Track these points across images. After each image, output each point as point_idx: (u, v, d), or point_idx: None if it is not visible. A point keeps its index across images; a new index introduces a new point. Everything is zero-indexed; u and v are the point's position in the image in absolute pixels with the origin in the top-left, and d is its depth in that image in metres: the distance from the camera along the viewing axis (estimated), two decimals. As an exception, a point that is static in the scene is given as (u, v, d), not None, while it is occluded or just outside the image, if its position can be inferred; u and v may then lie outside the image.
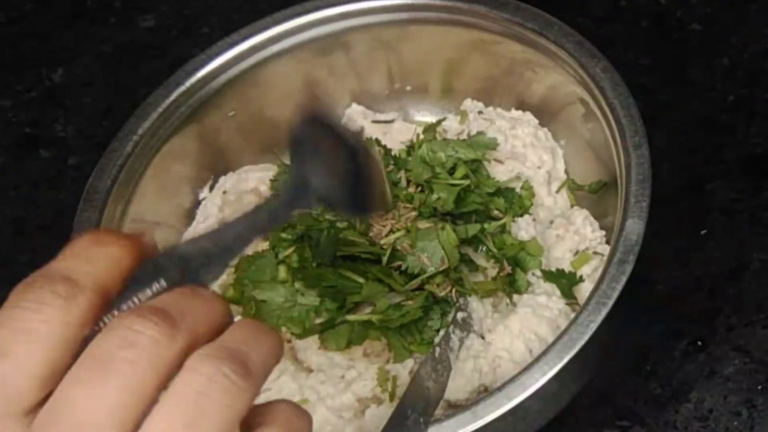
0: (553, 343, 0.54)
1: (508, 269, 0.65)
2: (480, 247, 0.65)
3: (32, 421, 0.29)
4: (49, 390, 0.30)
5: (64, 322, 0.30)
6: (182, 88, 0.71)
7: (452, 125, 0.75)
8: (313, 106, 0.45)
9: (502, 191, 0.68)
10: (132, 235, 0.34)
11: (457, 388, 0.60)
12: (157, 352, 0.30)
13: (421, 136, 0.71)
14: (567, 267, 0.66)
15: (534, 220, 0.68)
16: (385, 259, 0.62)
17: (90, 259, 0.32)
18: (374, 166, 0.43)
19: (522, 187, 0.69)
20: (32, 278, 0.31)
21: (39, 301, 0.30)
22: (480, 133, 0.71)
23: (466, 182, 0.66)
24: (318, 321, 0.63)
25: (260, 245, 0.70)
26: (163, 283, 0.33)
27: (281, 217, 0.39)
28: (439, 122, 0.74)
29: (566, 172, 0.72)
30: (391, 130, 0.77)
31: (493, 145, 0.70)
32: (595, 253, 0.66)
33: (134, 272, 0.33)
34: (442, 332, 0.61)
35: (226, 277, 0.70)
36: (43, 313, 0.30)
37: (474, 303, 0.63)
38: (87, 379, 0.29)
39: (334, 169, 0.41)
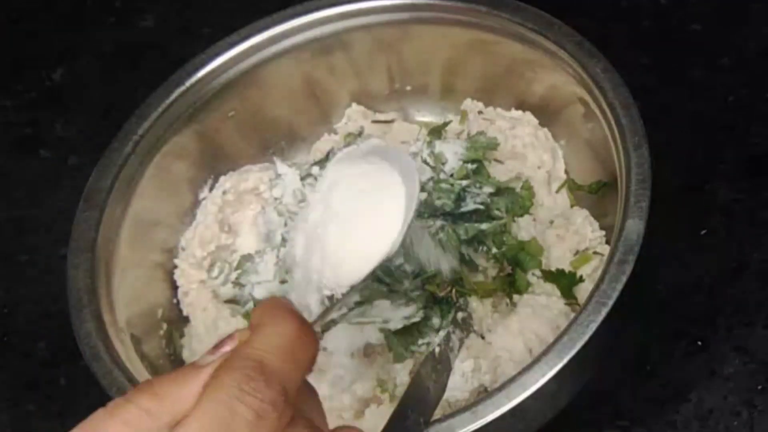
0: (553, 343, 0.54)
1: (508, 269, 0.65)
2: (480, 247, 0.65)
3: None
4: None
5: None
6: (182, 88, 0.71)
7: (452, 125, 0.75)
8: None
9: (503, 191, 0.68)
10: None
11: (457, 388, 0.60)
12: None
13: (427, 138, 0.71)
14: (567, 267, 0.66)
15: (534, 220, 0.68)
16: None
17: (297, 362, 0.31)
18: None
19: (522, 187, 0.69)
20: (250, 371, 0.30)
21: (258, 413, 0.29)
22: (480, 132, 0.71)
23: (466, 182, 0.66)
24: (318, 321, 0.63)
25: (260, 245, 0.70)
26: None
27: None
28: (445, 124, 0.74)
29: (566, 172, 0.72)
30: (391, 130, 0.77)
31: (493, 145, 0.70)
32: (595, 253, 0.66)
33: None
34: (442, 332, 0.61)
35: (227, 278, 0.70)
36: (261, 427, 0.30)
37: (474, 303, 0.63)
38: None
39: None
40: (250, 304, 0.67)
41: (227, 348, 0.32)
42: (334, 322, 0.62)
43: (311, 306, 0.58)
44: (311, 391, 0.34)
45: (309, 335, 0.32)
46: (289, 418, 0.30)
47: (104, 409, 0.30)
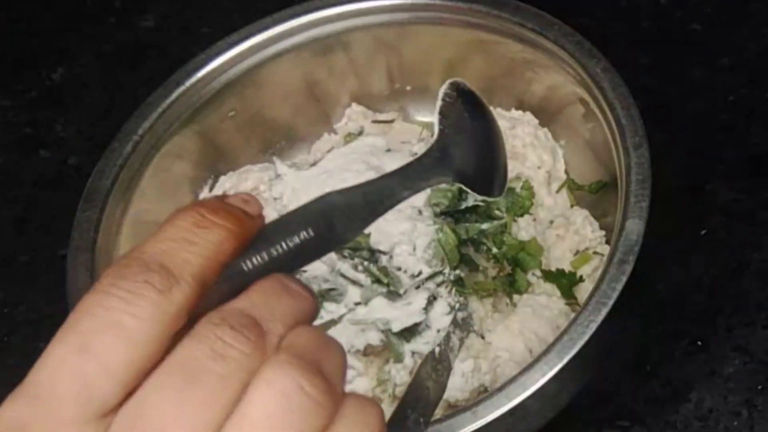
0: (553, 343, 0.54)
1: (508, 269, 0.65)
2: (480, 247, 0.65)
3: (109, 423, 0.27)
4: (130, 391, 0.27)
5: (156, 318, 0.28)
6: (182, 88, 0.71)
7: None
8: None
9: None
10: (239, 212, 0.31)
11: (457, 388, 0.60)
12: (247, 368, 0.28)
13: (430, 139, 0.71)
14: (567, 267, 0.66)
15: (534, 220, 0.68)
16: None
17: (191, 245, 0.29)
18: (504, 149, 0.42)
19: (522, 187, 0.69)
20: (127, 260, 0.28)
21: (131, 290, 0.28)
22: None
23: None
24: (318, 322, 0.63)
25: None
26: (311, 232, 0.32)
27: (426, 178, 0.38)
28: None
29: (566, 172, 0.72)
30: (391, 130, 0.77)
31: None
32: (595, 253, 0.66)
33: (237, 255, 0.31)
34: (442, 332, 0.61)
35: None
36: (135, 306, 0.27)
37: (474, 303, 0.63)
38: (174, 389, 0.27)
39: (474, 147, 0.40)
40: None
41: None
42: (334, 322, 0.62)
43: None
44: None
45: (212, 222, 0.30)
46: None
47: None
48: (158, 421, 0.27)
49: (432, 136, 0.72)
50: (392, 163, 0.67)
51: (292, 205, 0.67)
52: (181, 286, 0.28)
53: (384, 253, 0.63)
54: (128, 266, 0.28)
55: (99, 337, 0.27)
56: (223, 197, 0.32)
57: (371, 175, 0.66)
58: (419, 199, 0.66)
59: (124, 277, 0.28)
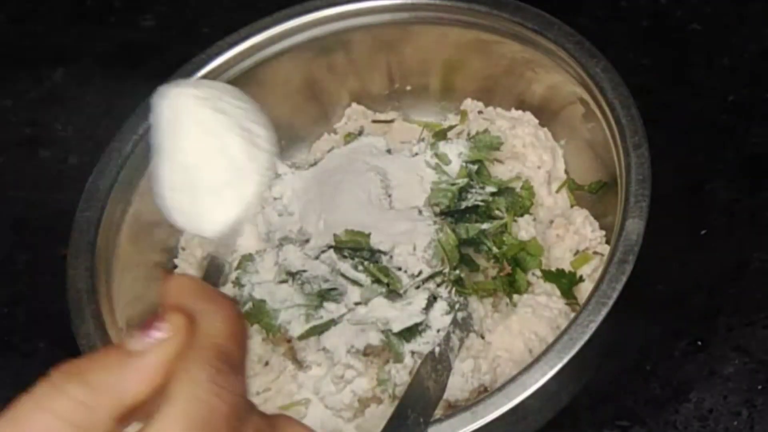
0: (553, 343, 0.54)
1: (508, 269, 0.65)
2: (480, 247, 0.65)
3: None
4: None
5: None
6: (182, 88, 0.71)
7: (452, 124, 0.75)
8: None
9: (503, 191, 0.68)
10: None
11: (457, 388, 0.60)
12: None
13: (431, 140, 0.71)
14: (567, 267, 0.66)
15: (534, 220, 0.68)
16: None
17: (244, 344, 0.31)
18: None
19: (522, 187, 0.69)
20: (216, 362, 0.30)
21: (232, 407, 0.29)
22: (484, 131, 0.71)
23: (465, 181, 0.66)
24: (318, 322, 0.63)
25: (260, 245, 0.70)
26: None
27: None
28: (450, 128, 0.74)
29: (566, 172, 0.72)
30: (391, 130, 0.77)
31: (497, 143, 0.69)
32: (595, 253, 0.66)
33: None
34: (442, 332, 0.61)
35: (227, 278, 0.70)
36: (235, 425, 0.29)
37: (474, 303, 0.63)
38: None
39: None
40: (250, 304, 0.67)
41: (160, 334, 0.30)
42: (333, 322, 0.62)
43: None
44: None
45: (242, 315, 0.32)
46: (250, 403, 0.30)
47: (29, 397, 0.28)
48: None
49: (432, 136, 0.72)
50: (392, 164, 0.67)
51: (292, 205, 0.67)
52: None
53: (384, 253, 0.63)
54: (223, 372, 0.29)
55: None
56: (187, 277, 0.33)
57: (371, 176, 0.66)
58: (419, 199, 0.66)
59: (226, 385, 0.29)
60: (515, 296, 0.64)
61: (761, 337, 0.66)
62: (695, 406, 0.63)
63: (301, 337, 0.63)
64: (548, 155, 0.71)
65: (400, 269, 0.62)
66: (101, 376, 0.29)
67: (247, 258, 0.68)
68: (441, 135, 0.72)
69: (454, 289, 0.62)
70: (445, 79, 0.77)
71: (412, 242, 0.63)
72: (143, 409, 0.29)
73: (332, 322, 0.62)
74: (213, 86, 0.40)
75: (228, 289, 0.69)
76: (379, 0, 0.73)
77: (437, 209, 0.65)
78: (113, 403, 0.28)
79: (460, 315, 0.62)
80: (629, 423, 0.64)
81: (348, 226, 0.63)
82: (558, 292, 0.65)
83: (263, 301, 0.64)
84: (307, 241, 0.64)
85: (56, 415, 0.27)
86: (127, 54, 0.91)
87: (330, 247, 0.63)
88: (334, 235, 0.62)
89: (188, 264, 0.70)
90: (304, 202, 0.66)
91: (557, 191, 0.71)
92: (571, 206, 0.70)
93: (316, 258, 0.63)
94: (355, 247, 0.63)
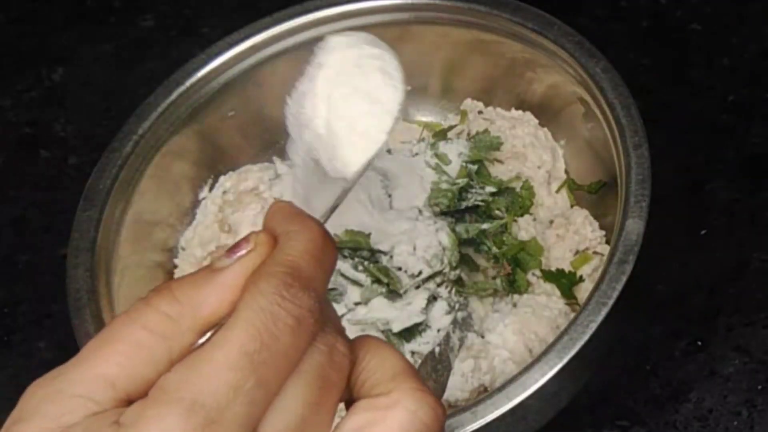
0: (553, 343, 0.54)
1: (508, 269, 0.65)
2: (480, 247, 0.65)
3: None
4: None
5: (308, 346, 0.30)
6: (182, 88, 0.71)
7: (452, 124, 0.75)
8: None
9: (503, 191, 0.68)
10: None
11: (457, 388, 0.60)
12: (348, 371, 0.32)
13: (431, 140, 0.71)
14: (567, 267, 0.66)
15: (534, 220, 0.68)
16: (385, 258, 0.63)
17: (324, 268, 0.32)
18: None
19: (522, 187, 0.69)
20: (287, 277, 0.30)
21: (299, 319, 0.30)
22: (484, 131, 0.71)
23: (465, 181, 0.66)
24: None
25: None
26: None
27: None
28: (450, 128, 0.74)
29: (566, 172, 0.72)
30: (392, 130, 0.77)
31: (497, 144, 0.69)
32: (595, 253, 0.66)
33: None
34: (442, 332, 0.61)
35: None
36: (299, 337, 0.30)
37: (474, 303, 0.63)
38: (318, 407, 0.30)
39: None
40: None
41: (242, 251, 0.31)
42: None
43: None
44: (329, 301, 0.34)
45: (330, 239, 0.32)
46: (322, 323, 0.31)
47: (126, 314, 0.30)
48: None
49: (432, 136, 0.72)
50: (392, 164, 0.67)
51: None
52: (323, 314, 0.31)
53: (384, 253, 0.63)
54: (291, 286, 0.30)
55: (272, 371, 0.29)
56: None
57: (371, 176, 0.66)
58: (419, 199, 0.66)
59: (291, 299, 0.30)
60: (515, 296, 0.64)
61: (761, 337, 0.66)
62: (695, 406, 0.63)
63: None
64: (548, 155, 0.71)
65: (400, 269, 0.62)
66: (187, 291, 0.31)
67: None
68: (441, 135, 0.72)
69: (454, 289, 0.62)
70: (445, 79, 0.77)
71: (412, 242, 0.63)
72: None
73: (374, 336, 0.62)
74: (358, 36, 0.46)
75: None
76: (379, 0, 0.73)
77: (437, 209, 0.65)
78: (195, 316, 0.30)
79: (460, 315, 0.62)
80: (629, 423, 0.64)
81: (348, 226, 0.63)
82: (558, 292, 0.65)
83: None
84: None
85: (144, 326, 0.30)
86: (127, 54, 0.91)
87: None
88: (334, 235, 0.62)
89: (188, 264, 0.70)
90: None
91: (557, 191, 0.71)
92: (571, 206, 0.70)
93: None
94: (355, 247, 0.63)
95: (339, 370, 0.31)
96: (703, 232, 0.71)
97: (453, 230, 0.64)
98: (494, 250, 0.65)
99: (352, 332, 0.62)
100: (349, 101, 0.46)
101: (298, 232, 0.32)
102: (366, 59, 0.48)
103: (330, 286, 0.62)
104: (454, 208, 0.65)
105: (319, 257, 0.31)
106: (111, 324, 0.30)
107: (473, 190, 0.67)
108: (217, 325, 0.30)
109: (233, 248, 0.32)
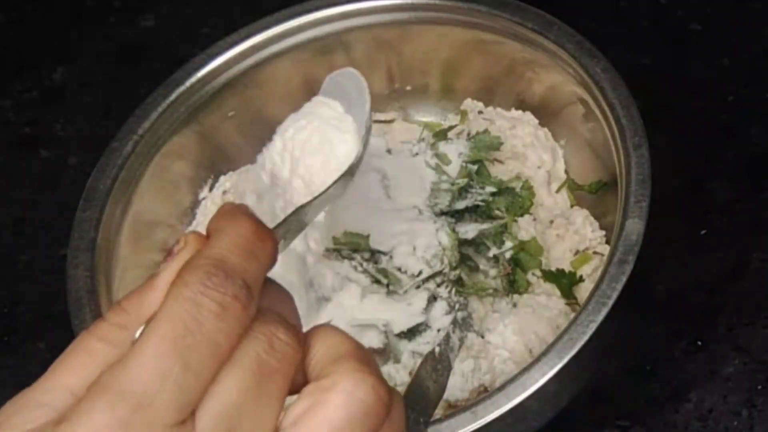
0: (553, 343, 0.54)
1: (508, 269, 0.65)
2: (480, 247, 0.65)
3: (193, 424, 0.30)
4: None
5: (238, 334, 0.30)
6: (182, 88, 0.71)
7: (452, 124, 0.75)
8: None
9: (503, 191, 0.68)
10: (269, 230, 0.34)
11: (457, 388, 0.60)
12: (294, 360, 0.31)
13: (431, 140, 0.71)
14: (567, 267, 0.66)
15: (534, 220, 0.68)
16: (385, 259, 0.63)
17: (256, 260, 0.32)
18: None
19: (522, 187, 0.69)
20: (210, 267, 0.31)
21: (222, 305, 0.30)
22: (484, 131, 0.71)
23: (465, 181, 0.66)
24: (317, 322, 0.63)
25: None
26: None
27: None
28: (450, 128, 0.74)
29: (566, 172, 0.72)
30: (391, 130, 0.77)
31: (497, 144, 0.69)
32: (595, 253, 0.66)
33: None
34: (442, 332, 0.61)
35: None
36: (226, 323, 0.30)
37: (474, 303, 0.63)
38: (257, 394, 0.30)
39: None
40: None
41: (175, 251, 0.33)
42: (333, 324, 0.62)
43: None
44: (284, 294, 0.35)
45: (266, 232, 0.33)
46: (253, 311, 0.31)
47: (86, 331, 0.32)
48: (245, 424, 0.30)
49: (432, 136, 0.72)
50: (392, 164, 0.67)
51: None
52: (255, 302, 0.31)
53: (384, 253, 0.63)
54: (214, 275, 0.30)
55: (197, 356, 0.29)
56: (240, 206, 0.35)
57: (371, 176, 0.66)
58: (419, 199, 0.66)
59: (213, 287, 0.30)
60: (515, 296, 0.64)
61: (761, 337, 0.66)
62: (695, 406, 0.63)
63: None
64: (548, 155, 0.71)
65: (400, 269, 0.62)
66: (133, 300, 0.32)
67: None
68: (441, 135, 0.72)
69: (454, 289, 0.62)
70: (445, 79, 0.77)
71: (412, 242, 0.63)
72: None
73: (331, 323, 0.62)
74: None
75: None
76: (379, 0, 0.73)
77: (437, 209, 0.65)
78: (141, 319, 0.31)
79: (460, 315, 0.62)
80: (629, 423, 0.64)
81: (348, 226, 0.63)
82: (558, 292, 0.65)
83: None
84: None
85: (99, 337, 0.31)
86: (127, 54, 0.91)
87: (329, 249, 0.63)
88: (333, 237, 0.62)
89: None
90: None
91: (557, 191, 0.71)
92: (571, 206, 0.70)
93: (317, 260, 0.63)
94: (354, 247, 0.63)
95: (281, 358, 0.31)
96: (703, 232, 0.71)
97: (453, 230, 0.64)
98: (494, 250, 0.65)
99: (352, 333, 0.62)
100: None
101: (226, 226, 0.33)
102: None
103: (330, 287, 0.62)
104: (454, 208, 0.65)
105: (248, 248, 0.32)
106: (75, 340, 0.32)
107: (473, 190, 0.67)
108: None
109: (169, 252, 0.33)
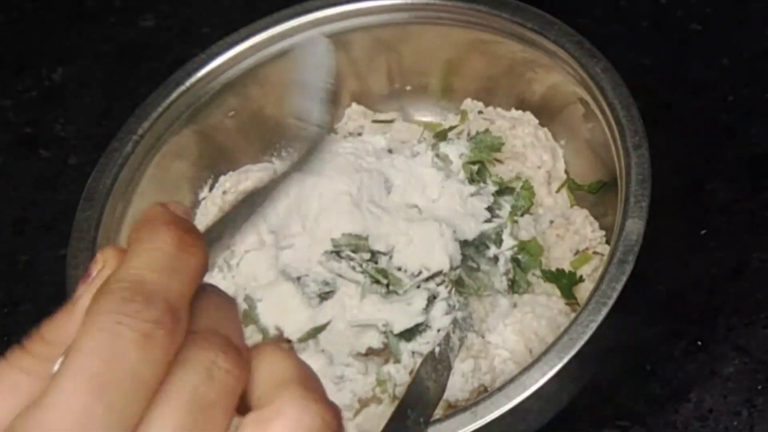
0: (553, 343, 0.54)
1: (509, 269, 0.65)
2: (480, 248, 0.65)
3: None
4: None
5: (165, 361, 0.27)
6: (182, 88, 0.71)
7: (452, 124, 0.75)
8: None
9: (503, 191, 0.68)
10: (198, 232, 0.30)
11: (457, 388, 0.60)
12: (237, 389, 0.28)
13: (432, 141, 0.71)
14: (567, 267, 0.66)
15: (534, 220, 0.68)
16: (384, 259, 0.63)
17: (179, 274, 0.29)
18: None
19: (522, 187, 0.69)
20: (126, 292, 0.28)
21: (143, 333, 0.27)
22: (485, 131, 0.71)
23: (473, 188, 0.66)
24: (317, 323, 0.63)
25: (260, 245, 0.70)
26: None
27: None
28: (451, 128, 0.74)
29: (566, 172, 0.72)
30: (391, 130, 0.77)
31: (498, 144, 0.69)
32: (595, 253, 0.66)
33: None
34: (442, 332, 0.61)
35: (226, 278, 0.70)
36: (149, 352, 0.27)
37: (474, 303, 0.63)
38: (194, 426, 0.27)
39: None
40: (245, 306, 0.67)
41: (93, 272, 0.30)
42: (333, 324, 0.62)
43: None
44: (224, 303, 0.31)
45: (190, 240, 0.29)
46: (182, 335, 0.28)
47: (5, 361, 0.30)
48: None
49: (433, 137, 0.72)
50: (392, 164, 0.67)
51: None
52: (182, 324, 0.28)
53: (383, 253, 0.63)
54: (132, 300, 0.27)
55: (121, 394, 0.27)
56: (165, 206, 0.31)
57: (371, 176, 0.66)
58: (419, 199, 0.66)
59: (131, 315, 0.27)
60: (515, 296, 0.64)
61: (761, 337, 0.66)
62: (695, 406, 0.63)
63: (301, 340, 0.63)
64: (548, 155, 0.71)
65: (399, 269, 0.62)
66: (52, 329, 0.31)
67: (247, 258, 0.68)
68: (441, 135, 0.72)
69: (454, 289, 0.62)
70: (445, 79, 0.77)
71: (412, 242, 0.63)
72: None
73: (331, 324, 0.62)
74: None
75: (228, 290, 0.70)
76: (379, 0, 0.73)
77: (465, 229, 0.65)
78: (61, 351, 0.29)
79: (460, 315, 0.62)
80: (629, 423, 0.64)
81: (348, 226, 0.63)
82: (558, 292, 0.65)
83: (262, 302, 0.64)
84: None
85: (21, 369, 0.30)
86: (127, 54, 0.91)
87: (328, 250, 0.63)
88: (332, 239, 0.62)
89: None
90: (302, 202, 0.66)
91: (557, 191, 0.71)
92: (571, 206, 0.70)
93: (317, 261, 0.63)
94: (354, 248, 0.63)
95: (220, 389, 0.28)
96: (703, 232, 0.71)
97: (453, 230, 0.64)
98: (494, 250, 0.65)
99: (352, 334, 0.62)
100: None
101: (143, 241, 0.29)
102: None
103: (330, 287, 0.62)
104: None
105: (169, 264, 0.29)
106: None
107: (480, 195, 0.67)
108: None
109: (85, 274, 0.30)
